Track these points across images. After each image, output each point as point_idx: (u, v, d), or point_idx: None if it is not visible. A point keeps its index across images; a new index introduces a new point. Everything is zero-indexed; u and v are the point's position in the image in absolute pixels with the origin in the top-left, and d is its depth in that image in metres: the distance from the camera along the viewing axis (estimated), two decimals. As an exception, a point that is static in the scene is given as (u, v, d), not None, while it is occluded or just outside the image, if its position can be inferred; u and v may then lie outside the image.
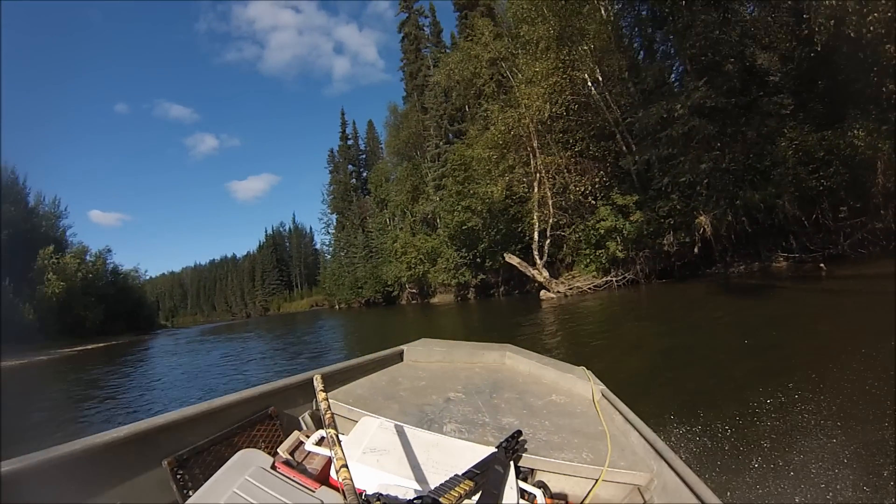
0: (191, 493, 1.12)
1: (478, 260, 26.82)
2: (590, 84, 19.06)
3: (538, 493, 1.26)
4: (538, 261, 19.10)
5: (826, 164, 11.93)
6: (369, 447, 1.22)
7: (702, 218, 14.17)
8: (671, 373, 5.53)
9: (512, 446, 1.30)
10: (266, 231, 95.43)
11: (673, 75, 17.47)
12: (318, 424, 1.63)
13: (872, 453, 2.81)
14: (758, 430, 3.33)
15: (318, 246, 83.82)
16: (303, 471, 1.25)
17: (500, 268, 24.48)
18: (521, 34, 18.87)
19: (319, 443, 1.33)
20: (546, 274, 19.01)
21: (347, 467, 0.82)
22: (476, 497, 0.88)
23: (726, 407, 3.79)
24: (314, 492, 1.11)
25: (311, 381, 1.25)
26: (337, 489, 1.11)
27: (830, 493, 2.49)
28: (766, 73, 14.16)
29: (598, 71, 18.92)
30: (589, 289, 17.78)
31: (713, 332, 7.72)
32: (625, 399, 1.81)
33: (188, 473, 1.19)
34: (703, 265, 15.51)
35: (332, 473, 1.20)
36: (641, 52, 19.70)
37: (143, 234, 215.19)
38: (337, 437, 0.91)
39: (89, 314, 37.37)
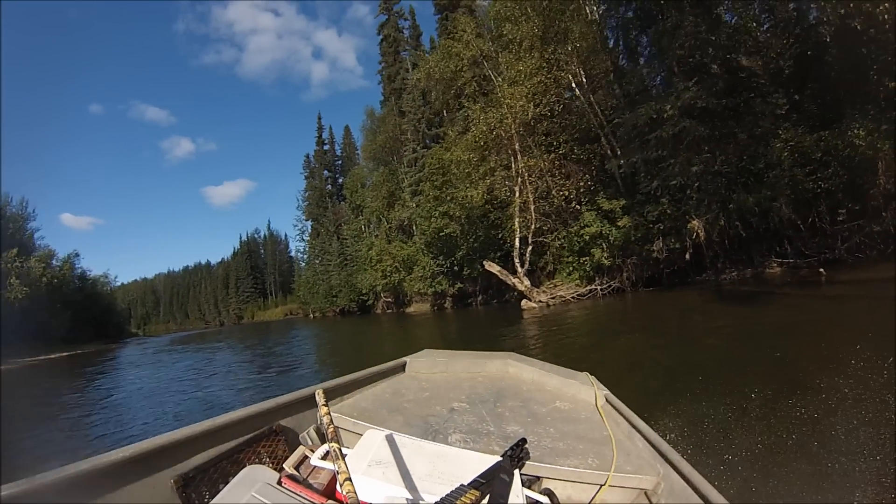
0: None
1: (455, 268, 25.91)
2: (574, 85, 18.64)
3: (545, 500, 1.25)
4: (519, 269, 18.20)
5: (824, 165, 11.49)
6: (374, 460, 1.22)
7: (695, 222, 13.50)
8: (669, 387, 5.05)
9: (517, 454, 1.28)
10: (241, 237, 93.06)
11: (658, 77, 17.01)
12: (323, 439, 1.62)
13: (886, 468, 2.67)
14: (766, 440, 3.26)
15: (293, 253, 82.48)
16: (309, 486, 1.27)
17: (479, 276, 23.84)
18: (505, 33, 18.31)
19: (324, 457, 1.33)
20: (527, 282, 18.13)
21: (351, 480, 0.85)
22: None
23: (740, 432, 3.49)
24: None
25: (314, 395, 1.27)
26: (343, 503, 1.11)
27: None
28: (754, 75, 13.76)
29: (582, 73, 18.56)
30: (572, 298, 17.14)
31: (711, 341, 7.29)
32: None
33: (194, 492, 1.19)
34: (693, 272, 14.92)
35: (338, 487, 1.19)
36: (622, 56, 19.40)
37: (116, 239, 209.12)
38: (340, 450, 0.95)
39: (54, 321, 35.65)
